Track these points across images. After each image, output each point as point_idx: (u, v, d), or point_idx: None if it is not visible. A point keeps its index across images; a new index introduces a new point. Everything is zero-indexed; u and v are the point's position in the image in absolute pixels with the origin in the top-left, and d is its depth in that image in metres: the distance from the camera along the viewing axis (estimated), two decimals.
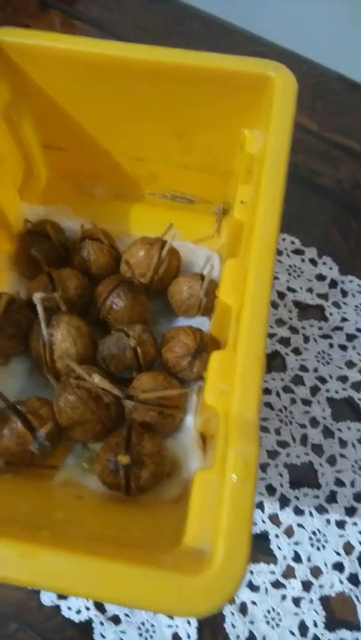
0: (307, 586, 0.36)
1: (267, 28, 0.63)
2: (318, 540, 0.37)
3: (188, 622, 0.35)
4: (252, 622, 0.35)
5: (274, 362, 0.43)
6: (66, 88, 0.39)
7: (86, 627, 0.35)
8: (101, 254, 0.40)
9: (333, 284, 0.46)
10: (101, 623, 0.35)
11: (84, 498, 0.31)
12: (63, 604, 0.35)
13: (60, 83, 0.39)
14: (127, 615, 0.35)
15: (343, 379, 0.43)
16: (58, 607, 0.35)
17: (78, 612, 0.35)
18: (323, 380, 0.42)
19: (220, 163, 0.42)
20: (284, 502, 0.38)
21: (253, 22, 0.62)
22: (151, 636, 0.35)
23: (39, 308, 0.34)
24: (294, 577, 0.36)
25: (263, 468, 0.39)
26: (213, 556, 0.21)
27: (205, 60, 0.35)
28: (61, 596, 0.36)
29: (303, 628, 0.35)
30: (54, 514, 0.27)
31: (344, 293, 0.46)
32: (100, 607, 0.35)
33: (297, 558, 0.37)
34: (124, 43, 0.36)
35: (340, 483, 0.39)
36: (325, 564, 0.37)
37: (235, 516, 0.22)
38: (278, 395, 0.41)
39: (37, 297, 0.34)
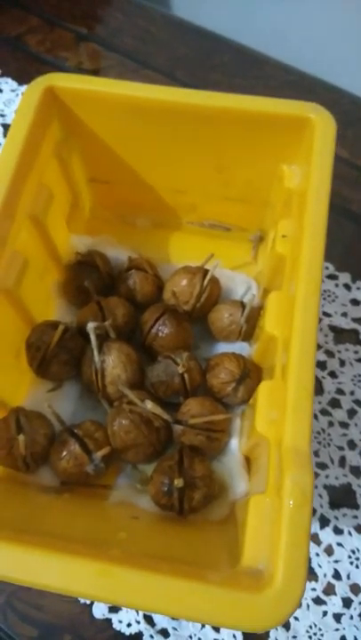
0: (347, 602, 0.38)
1: (297, 57, 0.65)
2: (358, 559, 0.39)
3: (234, 636, 0.37)
4: (294, 637, 0.37)
5: None
6: (112, 127, 0.42)
7: (136, 639, 0.37)
8: (146, 283, 0.43)
9: None
10: (151, 636, 0.37)
11: (139, 517, 0.33)
12: (114, 618, 0.37)
13: (107, 122, 0.41)
14: (175, 629, 0.37)
15: None
16: (109, 620, 0.37)
17: (129, 625, 0.37)
18: (359, 404, 0.44)
19: (257, 194, 0.44)
20: (323, 522, 0.40)
21: (284, 52, 0.65)
22: None
23: (92, 337, 0.37)
24: (335, 594, 0.38)
25: None
26: (273, 576, 0.23)
27: (248, 104, 0.37)
28: (112, 610, 0.38)
29: None
30: (118, 534, 0.29)
31: None
32: (149, 620, 0.37)
33: (337, 576, 0.38)
34: (167, 87, 0.39)
35: None
36: None
37: (293, 540, 0.23)
38: (316, 417, 0.43)
39: (91, 326, 0.37)
